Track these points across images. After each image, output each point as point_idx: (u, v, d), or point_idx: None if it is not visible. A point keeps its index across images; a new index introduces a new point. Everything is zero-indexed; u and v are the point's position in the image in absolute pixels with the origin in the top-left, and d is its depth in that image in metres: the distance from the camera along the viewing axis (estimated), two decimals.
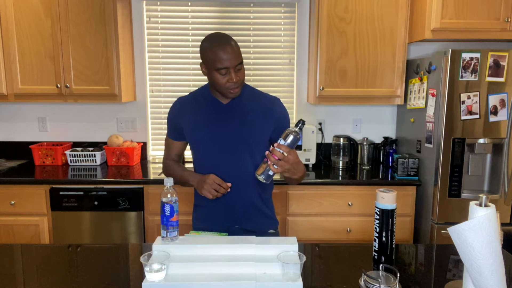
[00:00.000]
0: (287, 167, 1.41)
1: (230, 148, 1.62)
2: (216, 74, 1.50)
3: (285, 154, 1.38)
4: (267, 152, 1.40)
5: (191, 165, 3.17)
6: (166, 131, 3.16)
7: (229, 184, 1.60)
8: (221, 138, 1.62)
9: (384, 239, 1.40)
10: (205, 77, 3.08)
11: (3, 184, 2.57)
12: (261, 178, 1.45)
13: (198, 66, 3.09)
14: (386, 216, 1.39)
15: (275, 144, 1.40)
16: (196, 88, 1.75)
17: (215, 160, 1.64)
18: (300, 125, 1.43)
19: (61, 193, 2.57)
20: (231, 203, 1.66)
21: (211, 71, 1.51)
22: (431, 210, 2.51)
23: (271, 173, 1.44)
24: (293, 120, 3.13)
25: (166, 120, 3.13)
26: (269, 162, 1.39)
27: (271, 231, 1.76)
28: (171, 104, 3.14)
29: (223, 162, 1.63)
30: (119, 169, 2.83)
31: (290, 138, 1.40)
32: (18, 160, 3.12)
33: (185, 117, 1.67)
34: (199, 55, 3.06)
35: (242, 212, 1.67)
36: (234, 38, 3.10)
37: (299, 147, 2.87)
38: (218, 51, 1.46)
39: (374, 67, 2.77)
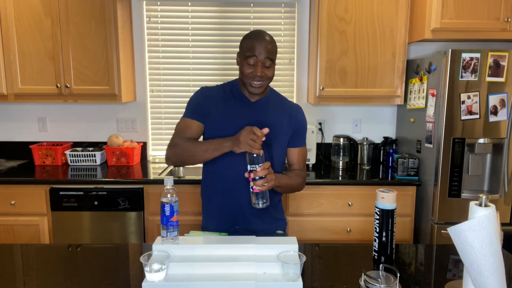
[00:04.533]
0: (273, 177, 1.48)
1: None
2: (244, 62, 1.58)
3: (263, 173, 1.44)
4: (251, 184, 1.46)
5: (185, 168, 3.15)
6: (166, 131, 3.18)
7: (265, 131, 1.48)
8: None
9: (384, 239, 1.40)
10: (206, 78, 3.10)
11: (3, 184, 2.57)
12: (260, 204, 1.48)
13: (198, 66, 3.10)
14: (386, 216, 1.39)
15: (251, 175, 1.45)
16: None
17: (233, 156, 1.61)
18: None
19: (61, 193, 2.57)
20: (241, 203, 1.66)
21: (242, 60, 1.60)
22: (431, 210, 2.51)
23: (262, 194, 1.47)
24: None
25: (166, 120, 3.16)
26: (257, 188, 1.45)
27: (279, 231, 1.77)
28: (171, 104, 3.16)
29: (240, 159, 1.61)
30: (119, 169, 2.83)
31: (255, 157, 1.44)
32: (18, 160, 3.12)
33: (211, 104, 1.66)
34: (199, 55, 3.09)
35: (252, 212, 1.67)
36: (234, 38, 3.12)
37: None
38: (251, 40, 1.56)
39: (374, 67, 2.77)
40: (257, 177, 1.44)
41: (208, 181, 1.73)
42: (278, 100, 1.74)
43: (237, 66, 3.37)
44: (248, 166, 1.46)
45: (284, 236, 1.77)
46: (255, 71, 1.56)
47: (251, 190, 1.47)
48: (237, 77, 1.73)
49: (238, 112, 1.65)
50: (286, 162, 1.79)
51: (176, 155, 1.60)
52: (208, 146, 1.53)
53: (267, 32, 1.62)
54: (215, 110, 1.65)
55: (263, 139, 1.46)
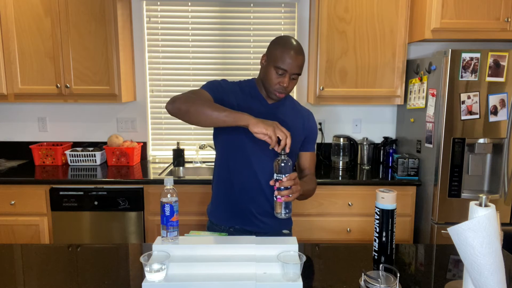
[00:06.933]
0: (299, 188, 1.46)
1: (264, 146, 1.57)
2: (272, 70, 1.55)
3: (289, 183, 1.41)
4: (276, 193, 1.43)
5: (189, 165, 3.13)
6: (166, 131, 3.18)
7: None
8: None
9: (384, 239, 1.40)
10: (206, 78, 3.10)
11: (3, 184, 2.57)
12: (283, 214, 1.45)
13: (198, 66, 3.10)
14: (386, 216, 1.39)
15: (276, 184, 1.42)
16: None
17: (246, 155, 1.63)
18: (283, 151, 1.42)
19: (61, 193, 2.57)
20: (250, 201, 1.67)
21: (270, 65, 1.56)
22: (431, 210, 2.51)
23: (286, 204, 1.45)
24: None
25: (166, 120, 3.15)
26: (282, 198, 1.42)
27: (285, 231, 1.78)
28: None
29: (254, 159, 1.63)
30: (119, 169, 2.83)
31: (283, 167, 1.42)
32: (18, 160, 3.12)
33: (232, 98, 1.63)
34: (199, 55, 3.09)
35: (259, 211, 1.68)
36: (234, 38, 3.12)
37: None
38: (287, 52, 1.53)
39: (374, 67, 2.77)
40: (282, 187, 1.42)
41: (221, 175, 1.72)
42: (292, 104, 1.75)
43: (237, 66, 3.38)
44: (275, 175, 1.43)
45: (289, 235, 1.78)
46: (282, 82, 1.55)
47: (275, 199, 1.44)
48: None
49: (256, 112, 1.62)
50: (296, 166, 1.78)
51: (187, 101, 1.46)
52: (226, 112, 1.41)
53: (295, 39, 1.58)
54: (235, 105, 1.62)
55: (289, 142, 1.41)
